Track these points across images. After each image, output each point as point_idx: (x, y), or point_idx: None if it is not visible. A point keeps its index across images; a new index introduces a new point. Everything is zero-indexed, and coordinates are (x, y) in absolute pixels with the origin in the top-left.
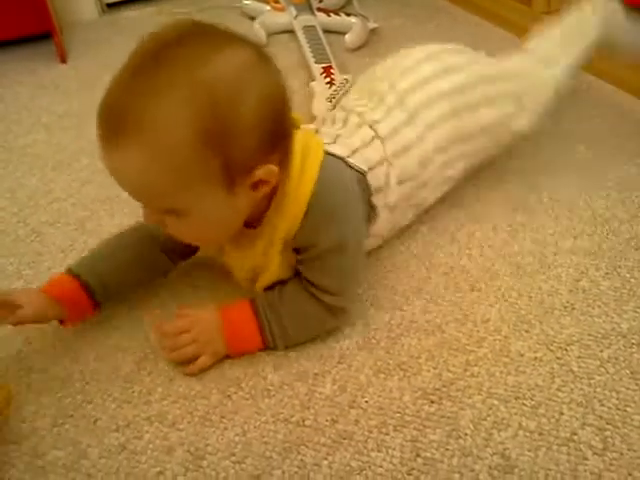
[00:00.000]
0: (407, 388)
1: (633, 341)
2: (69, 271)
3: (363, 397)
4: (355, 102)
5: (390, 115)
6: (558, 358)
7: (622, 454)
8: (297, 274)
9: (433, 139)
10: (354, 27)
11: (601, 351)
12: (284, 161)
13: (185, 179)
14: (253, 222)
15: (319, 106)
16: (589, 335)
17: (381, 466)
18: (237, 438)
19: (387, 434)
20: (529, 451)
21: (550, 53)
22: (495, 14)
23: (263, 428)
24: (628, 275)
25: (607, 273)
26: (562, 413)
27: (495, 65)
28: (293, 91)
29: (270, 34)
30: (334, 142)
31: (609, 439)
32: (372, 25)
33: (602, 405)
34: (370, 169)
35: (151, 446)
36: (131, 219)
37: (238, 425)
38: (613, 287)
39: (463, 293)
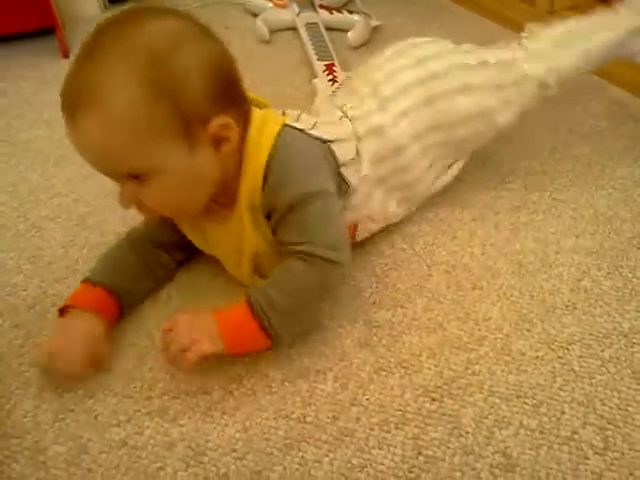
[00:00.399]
0: (408, 386)
1: (635, 341)
2: (89, 280)
3: (364, 394)
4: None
5: (363, 103)
6: (559, 357)
7: (623, 454)
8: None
9: (407, 125)
10: (357, 25)
11: (602, 350)
12: (242, 123)
13: (143, 135)
14: (225, 199)
15: (321, 103)
16: (590, 334)
17: (382, 464)
18: (238, 434)
19: (388, 432)
20: (530, 450)
21: (540, 48)
22: (499, 13)
23: (264, 424)
24: (630, 275)
25: (609, 272)
26: (563, 412)
27: (475, 54)
28: (295, 88)
29: (273, 31)
30: (296, 121)
31: (610, 438)
32: (374, 23)
33: (603, 404)
34: (337, 141)
35: (152, 441)
36: (132, 215)
37: (239, 421)
38: (615, 287)
39: (465, 291)
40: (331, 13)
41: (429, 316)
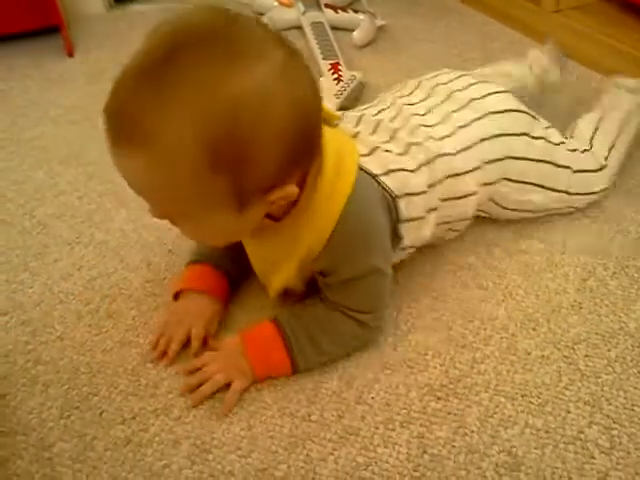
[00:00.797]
0: (414, 385)
1: None
2: (196, 262)
3: (369, 393)
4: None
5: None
6: (565, 357)
7: (629, 453)
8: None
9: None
10: (362, 24)
11: (608, 350)
12: (313, 171)
13: (188, 198)
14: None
15: (326, 102)
16: (596, 334)
17: (387, 462)
18: (243, 432)
19: (393, 430)
20: (536, 449)
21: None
22: (504, 13)
23: (269, 422)
24: (636, 275)
25: (615, 272)
26: (569, 411)
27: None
28: None
29: (278, 30)
30: (369, 154)
31: (616, 438)
32: (380, 22)
33: (609, 404)
34: (407, 195)
35: (157, 439)
36: (138, 213)
37: (244, 419)
38: (621, 286)
39: (470, 291)
40: (336, 12)
41: (434, 315)
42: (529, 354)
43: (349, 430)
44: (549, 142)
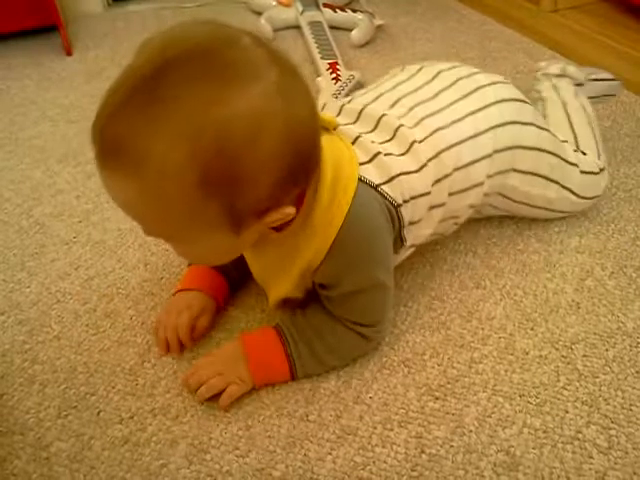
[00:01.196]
0: (411, 384)
1: (639, 340)
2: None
3: (367, 393)
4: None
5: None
6: (563, 357)
7: (627, 453)
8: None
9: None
10: (360, 24)
11: (606, 350)
12: (311, 186)
13: (182, 219)
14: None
15: (325, 102)
16: (594, 334)
17: (385, 462)
18: (241, 432)
19: (391, 430)
20: (534, 449)
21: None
22: (503, 13)
23: (267, 422)
24: (634, 274)
25: (613, 272)
26: (567, 411)
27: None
28: None
29: (276, 30)
30: (370, 161)
31: (614, 438)
32: (378, 22)
33: (607, 404)
34: (410, 200)
35: (154, 439)
36: None
37: (242, 419)
38: (619, 286)
39: (468, 290)
40: (335, 12)
41: (432, 315)
42: (527, 354)
43: (347, 430)
44: (555, 136)
